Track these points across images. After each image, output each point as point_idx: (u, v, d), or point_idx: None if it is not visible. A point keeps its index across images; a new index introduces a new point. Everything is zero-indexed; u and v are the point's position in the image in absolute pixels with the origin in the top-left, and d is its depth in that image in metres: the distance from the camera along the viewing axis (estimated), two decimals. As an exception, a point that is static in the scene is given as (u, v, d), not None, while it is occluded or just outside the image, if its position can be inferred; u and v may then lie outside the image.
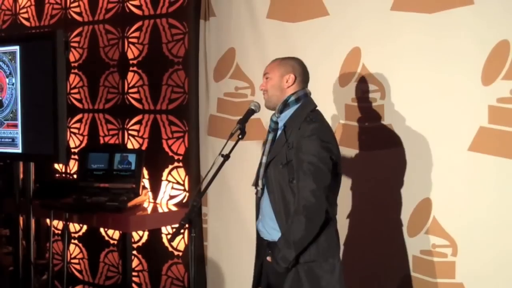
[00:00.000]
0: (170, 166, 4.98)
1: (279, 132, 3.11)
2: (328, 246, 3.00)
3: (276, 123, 3.12)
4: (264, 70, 3.17)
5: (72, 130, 5.61)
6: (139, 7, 5.12)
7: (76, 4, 5.56)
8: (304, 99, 3.10)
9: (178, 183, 4.94)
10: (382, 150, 3.74)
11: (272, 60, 3.19)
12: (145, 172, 5.01)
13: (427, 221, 3.56)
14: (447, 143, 3.49)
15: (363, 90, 3.78)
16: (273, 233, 3.05)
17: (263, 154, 3.14)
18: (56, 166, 5.61)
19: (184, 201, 4.88)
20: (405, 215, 3.64)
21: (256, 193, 3.17)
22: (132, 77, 5.21)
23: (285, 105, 3.08)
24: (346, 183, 3.66)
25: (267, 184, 3.06)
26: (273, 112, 3.15)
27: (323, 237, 2.97)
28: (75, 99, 5.59)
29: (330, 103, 3.86)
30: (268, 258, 3.02)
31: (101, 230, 5.39)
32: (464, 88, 3.42)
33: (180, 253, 4.92)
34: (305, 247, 2.93)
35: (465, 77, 3.41)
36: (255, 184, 3.14)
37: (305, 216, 2.87)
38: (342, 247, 3.37)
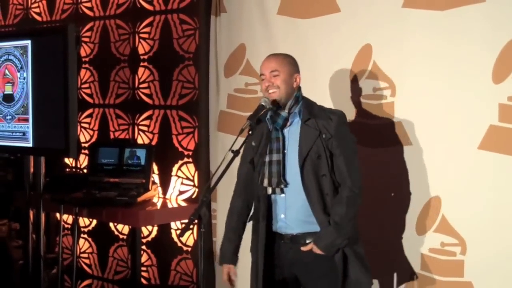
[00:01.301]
0: (180, 162, 4.99)
1: (290, 128, 3.14)
2: (357, 230, 3.18)
3: (286, 119, 3.14)
4: (268, 66, 3.15)
5: (82, 124, 5.63)
6: (150, 2, 5.13)
7: (87, -1, 5.59)
8: (302, 94, 3.23)
9: (187, 178, 4.95)
10: (391, 147, 3.73)
11: (271, 55, 3.21)
12: (155, 167, 5.02)
13: (436, 219, 3.55)
14: (457, 141, 3.48)
15: (374, 87, 3.77)
16: (304, 226, 3.13)
17: (276, 152, 3.14)
18: (66, 160, 5.63)
19: (194, 196, 4.89)
20: (414, 213, 3.64)
21: (273, 192, 3.16)
22: (142, 73, 5.22)
23: (296, 102, 3.15)
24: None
25: (302, 178, 3.10)
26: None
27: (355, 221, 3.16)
28: (86, 94, 5.61)
29: (341, 99, 3.85)
30: (306, 247, 3.09)
31: (111, 224, 5.41)
32: (474, 86, 3.41)
33: (189, 249, 4.93)
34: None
35: (476, 75, 3.40)
36: (278, 183, 3.13)
37: (347, 204, 3.06)
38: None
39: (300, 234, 3.14)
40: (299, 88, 3.19)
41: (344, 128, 3.13)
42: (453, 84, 3.48)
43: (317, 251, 3.07)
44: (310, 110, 3.14)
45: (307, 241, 3.11)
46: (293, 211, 3.14)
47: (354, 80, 3.85)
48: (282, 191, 3.13)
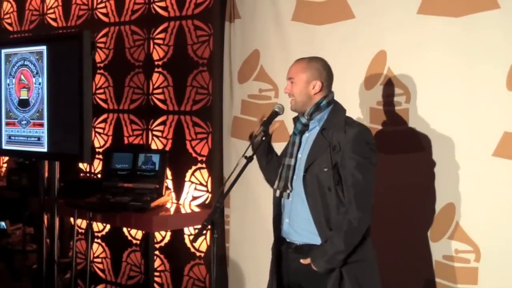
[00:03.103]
0: (194, 167, 5.00)
1: (309, 134, 3.12)
2: (371, 249, 3.07)
3: (305, 125, 3.13)
4: (288, 72, 3.16)
5: (97, 130, 5.65)
6: (165, 8, 5.15)
7: (102, 5, 5.61)
8: (335, 102, 3.14)
9: (201, 184, 4.96)
10: (406, 154, 3.72)
11: (296, 60, 3.18)
12: (168, 172, 5.03)
13: (450, 226, 3.53)
14: (471, 148, 3.46)
15: (388, 94, 3.76)
16: (307, 235, 3.07)
17: (289, 156, 3.14)
18: (80, 165, 5.65)
19: (207, 202, 4.90)
20: (428, 220, 3.62)
21: (281, 196, 3.16)
22: (157, 78, 5.24)
23: (317, 108, 3.10)
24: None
25: (305, 187, 3.05)
26: (297, 114, 3.17)
27: (367, 241, 3.04)
28: (101, 99, 5.63)
29: (355, 106, 3.85)
30: (305, 261, 3.03)
31: (124, 229, 5.42)
32: (489, 93, 3.40)
33: (202, 254, 4.94)
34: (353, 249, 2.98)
35: (490, 81, 3.38)
36: (284, 187, 3.12)
37: (345, 234, 2.93)
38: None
39: (304, 245, 3.08)
40: (326, 95, 3.10)
41: (360, 145, 2.97)
42: (467, 91, 3.47)
43: (313, 266, 3.00)
44: (332, 120, 3.06)
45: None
46: (297, 218, 3.10)
47: (369, 87, 3.84)
48: (288, 196, 3.12)
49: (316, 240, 3.03)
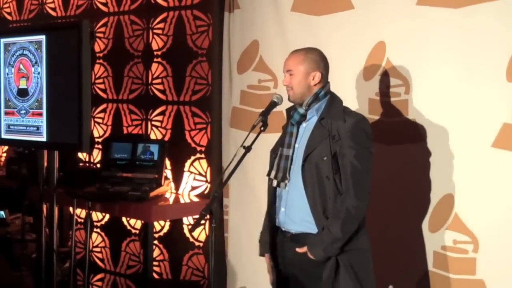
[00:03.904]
0: (193, 157, 5.00)
1: (307, 124, 3.15)
2: (365, 239, 3.10)
3: (303, 116, 3.13)
4: (286, 65, 3.18)
5: (96, 119, 5.65)
6: (164, -2, 5.15)
7: (102, -6, 5.61)
8: (331, 92, 3.17)
9: (200, 174, 4.96)
10: (404, 145, 3.73)
11: (292, 52, 3.20)
12: (167, 162, 5.03)
13: (449, 217, 3.54)
14: (470, 139, 3.46)
15: (387, 85, 3.76)
16: (303, 224, 3.09)
17: (286, 147, 3.15)
18: (80, 155, 5.66)
19: (206, 192, 4.90)
20: (427, 210, 3.63)
21: (277, 185, 3.17)
22: (156, 68, 5.23)
23: (315, 98, 3.13)
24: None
25: (303, 176, 3.07)
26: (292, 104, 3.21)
27: (362, 230, 3.07)
28: (100, 89, 5.63)
29: (354, 97, 3.85)
30: (301, 249, 3.05)
31: (123, 219, 5.43)
32: (488, 84, 3.39)
33: (201, 244, 4.95)
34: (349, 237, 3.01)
35: (490, 72, 3.38)
36: (283, 177, 3.14)
37: (343, 222, 2.96)
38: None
39: (300, 233, 3.11)
40: (324, 85, 3.15)
41: (359, 134, 3.02)
42: (467, 82, 3.47)
43: (309, 255, 3.03)
44: (330, 109, 3.09)
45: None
46: (293, 207, 3.13)
47: (368, 77, 3.84)
48: (286, 186, 3.14)
49: (312, 228, 3.06)
